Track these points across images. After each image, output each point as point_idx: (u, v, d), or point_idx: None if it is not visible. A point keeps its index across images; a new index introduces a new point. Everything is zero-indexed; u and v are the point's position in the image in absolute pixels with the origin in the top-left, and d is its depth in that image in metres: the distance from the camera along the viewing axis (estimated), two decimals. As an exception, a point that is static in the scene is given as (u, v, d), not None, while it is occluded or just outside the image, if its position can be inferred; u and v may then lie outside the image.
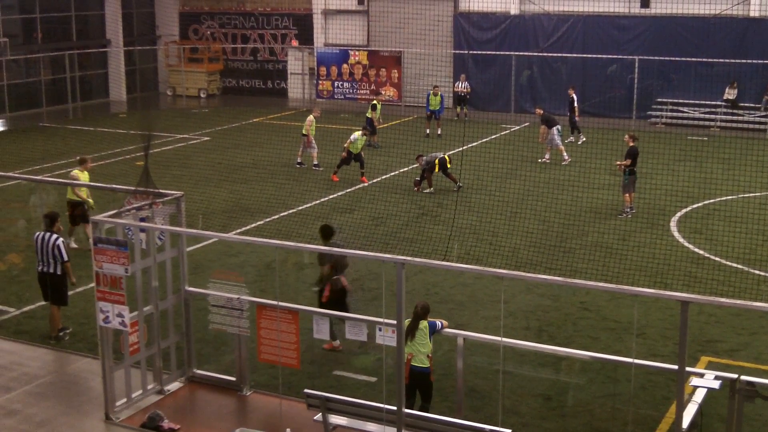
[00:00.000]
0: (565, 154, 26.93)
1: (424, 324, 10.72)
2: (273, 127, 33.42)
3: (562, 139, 27.35)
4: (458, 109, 35.79)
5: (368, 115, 29.88)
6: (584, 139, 30.02)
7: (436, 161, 23.26)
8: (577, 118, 30.43)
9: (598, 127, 29.66)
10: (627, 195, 21.00)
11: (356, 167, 24.77)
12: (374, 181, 24.72)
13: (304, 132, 26.41)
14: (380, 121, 30.50)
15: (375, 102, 30.45)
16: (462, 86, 35.95)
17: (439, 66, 37.25)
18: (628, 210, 20.91)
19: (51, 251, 13.76)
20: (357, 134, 24.63)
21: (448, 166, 23.38)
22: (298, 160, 26.64)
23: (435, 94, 31.99)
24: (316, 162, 26.23)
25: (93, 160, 27.63)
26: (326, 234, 13.76)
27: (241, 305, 11.26)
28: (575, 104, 30.36)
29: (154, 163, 22.09)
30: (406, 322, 10.61)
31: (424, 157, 23.57)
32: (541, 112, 28.02)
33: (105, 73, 42.42)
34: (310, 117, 26.54)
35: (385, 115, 33.09)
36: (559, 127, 27.00)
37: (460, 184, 23.31)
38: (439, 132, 31.65)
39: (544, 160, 27.09)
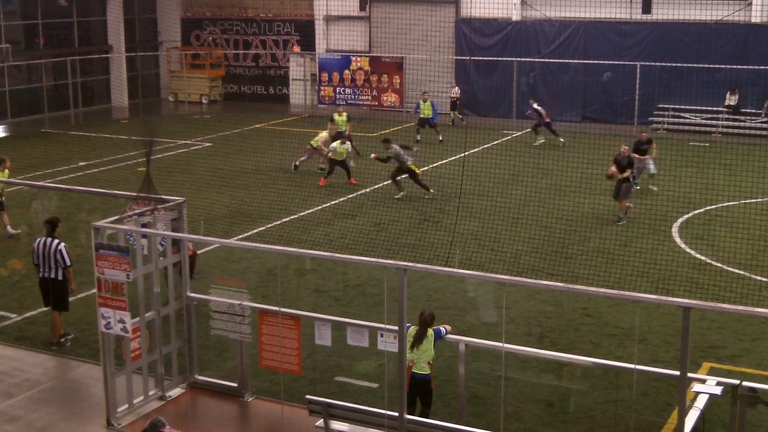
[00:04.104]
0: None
1: (430, 332, 10.72)
2: (275, 132, 33.44)
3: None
4: (452, 114, 36.07)
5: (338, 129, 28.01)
6: (542, 140, 31.11)
7: (409, 165, 23.05)
8: (548, 120, 31.01)
9: (599, 132, 29.68)
10: (622, 202, 20.97)
11: (344, 174, 24.89)
12: (376, 186, 24.73)
13: (314, 145, 26.06)
14: (349, 130, 28.19)
15: (335, 114, 28.62)
16: (453, 91, 36.25)
17: (441, 72, 37.27)
18: (622, 216, 20.84)
19: (53, 256, 13.76)
20: (336, 144, 24.69)
21: (417, 171, 23.14)
22: (321, 167, 26.32)
23: (424, 101, 32.03)
24: (297, 163, 26.55)
25: (95, 166, 27.92)
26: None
27: (243, 311, 11.26)
28: (541, 111, 30.96)
29: (156, 169, 22.10)
30: (411, 330, 10.61)
31: (394, 145, 23.32)
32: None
33: (107, 78, 42.47)
34: (324, 134, 26.09)
35: (388, 120, 33.13)
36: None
37: (434, 192, 23.21)
38: (440, 138, 31.53)
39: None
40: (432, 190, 23.24)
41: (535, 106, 31.38)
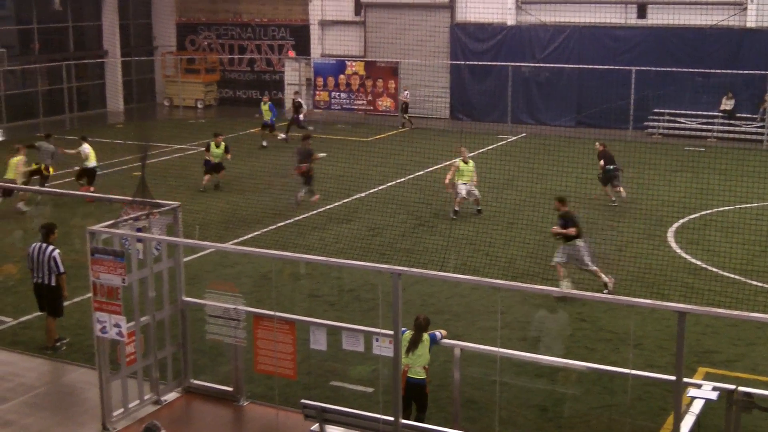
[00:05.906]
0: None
1: (425, 336, 10.71)
2: (269, 137, 33.39)
3: None
4: (404, 117, 36.61)
5: (213, 159, 25.63)
6: (264, 145, 32.23)
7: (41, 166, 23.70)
8: (302, 117, 34.15)
9: (594, 137, 29.66)
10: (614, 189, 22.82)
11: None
12: (371, 191, 24.73)
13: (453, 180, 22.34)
14: (227, 157, 25.92)
15: (212, 144, 25.75)
16: (404, 95, 36.99)
17: (436, 76, 37.34)
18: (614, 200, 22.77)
19: (47, 262, 13.73)
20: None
21: (47, 174, 23.71)
22: (478, 208, 22.53)
23: (264, 103, 33.40)
24: (456, 209, 22.13)
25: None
26: None
27: (238, 315, 11.24)
28: (302, 107, 34.54)
29: (151, 174, 22.01)
30: (406, 335, 10.60)
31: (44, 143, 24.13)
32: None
33: (102, 83, 42.45)
34: (456, 160, 22.51)
35: (382, 125, 33.21)
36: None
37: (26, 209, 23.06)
38: (264, 144, 32.40)
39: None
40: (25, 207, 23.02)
41: (299, 100, 34.36)
